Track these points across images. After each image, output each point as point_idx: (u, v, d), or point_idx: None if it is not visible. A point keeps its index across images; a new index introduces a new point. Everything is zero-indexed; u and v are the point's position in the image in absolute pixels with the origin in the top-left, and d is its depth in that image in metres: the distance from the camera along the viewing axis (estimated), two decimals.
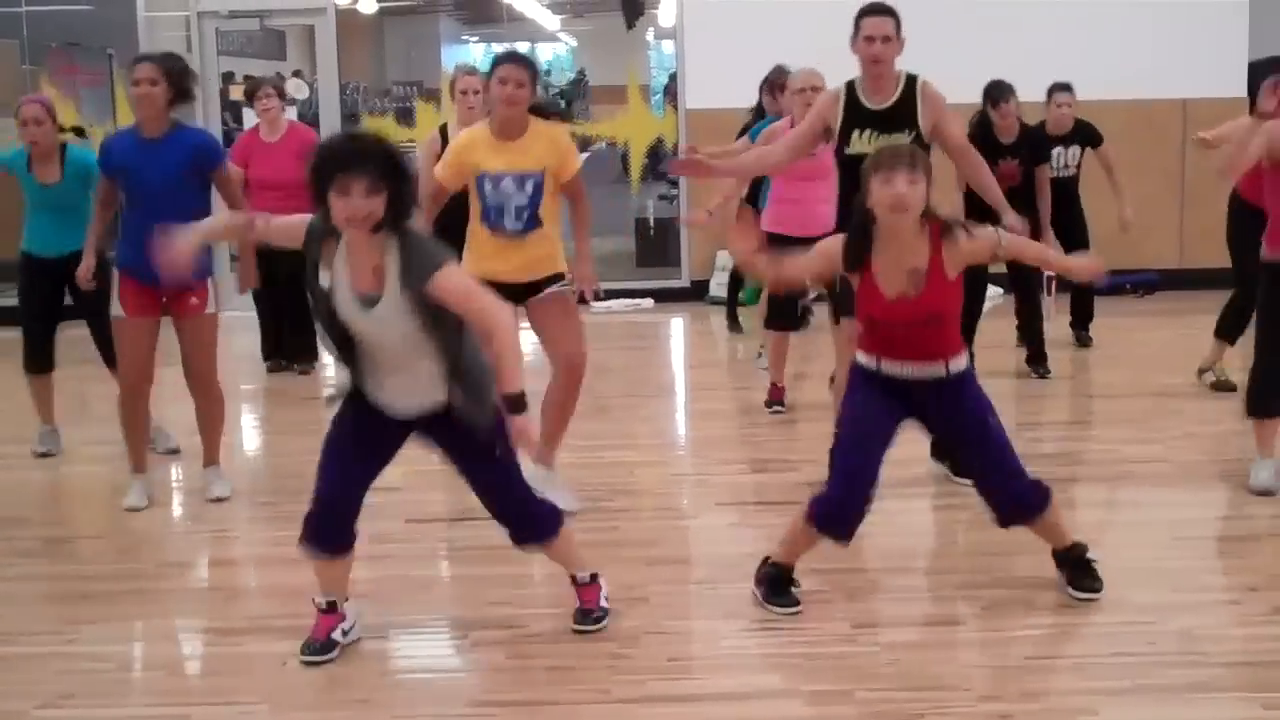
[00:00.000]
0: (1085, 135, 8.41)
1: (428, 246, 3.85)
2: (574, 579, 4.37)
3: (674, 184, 12.03)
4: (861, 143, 5.27)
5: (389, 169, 3.69)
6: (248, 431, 7.32)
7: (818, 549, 4.54)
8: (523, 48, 25.05)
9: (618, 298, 11.11)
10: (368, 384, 4.02)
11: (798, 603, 4.43)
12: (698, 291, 11.16)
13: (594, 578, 4.39)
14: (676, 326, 10.71)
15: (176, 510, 5.87)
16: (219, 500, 5.85)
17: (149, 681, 4.16)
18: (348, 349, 3.96)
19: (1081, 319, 8.76)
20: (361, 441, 4.09)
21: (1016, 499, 4.38)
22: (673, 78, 12.26)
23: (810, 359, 8.25)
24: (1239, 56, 10.75)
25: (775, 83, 8.07)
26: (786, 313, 7.10)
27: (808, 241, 6.51)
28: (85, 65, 12.67)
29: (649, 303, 11.21)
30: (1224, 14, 10.73)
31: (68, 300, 6.66)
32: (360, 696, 3.98)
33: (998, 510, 4.42)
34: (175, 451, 6.59)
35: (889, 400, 4.33)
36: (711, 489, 5.97)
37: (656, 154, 12.28)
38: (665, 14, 13.27)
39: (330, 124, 11.51)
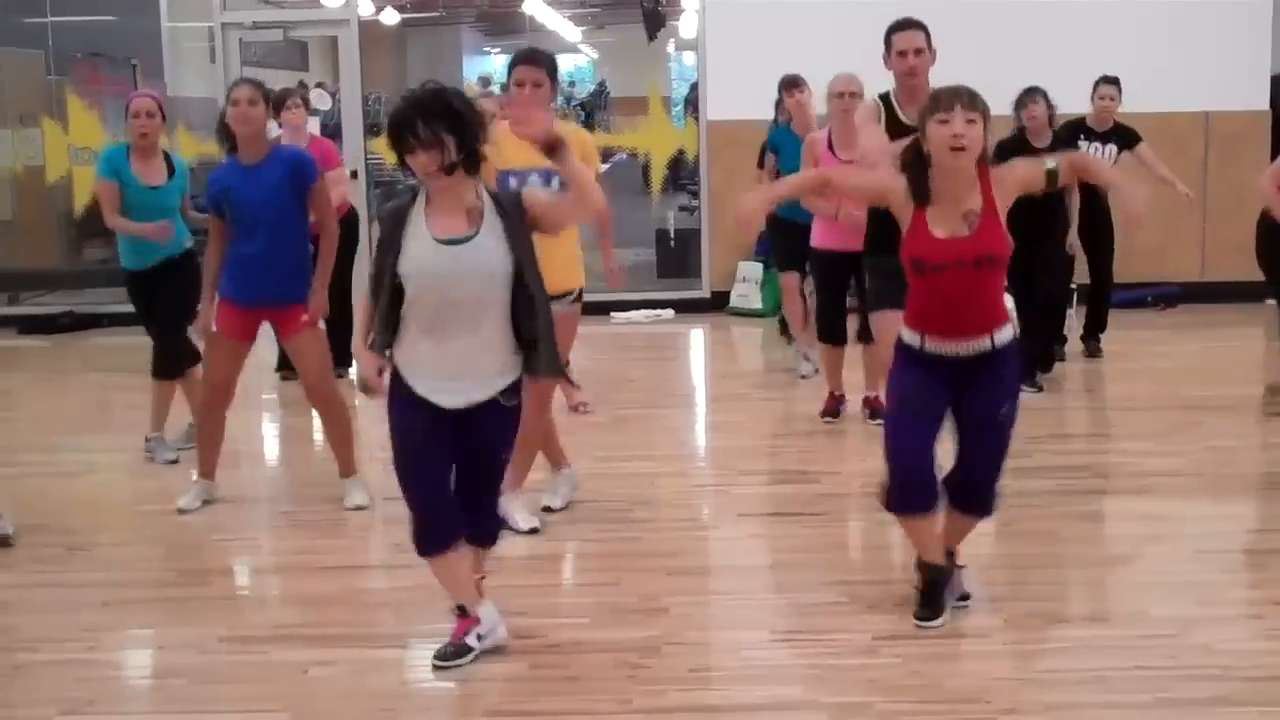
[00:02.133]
0: (1123, 136, 8.40)
1: (505, 191, 4.31)
2: (462, 609, 4.27)
3: (695, 195, 12.03)
4: None
5: (450, 117, 3.89)
6: (268, 440, 7.34)
7: (840, 564, 4.52)
8: None
9: (638, 308, 11.12)
10: (421, 370, 4.03)
11: (938, 616, 4.33)
12: (718, 302, 11.15)
13: (464, 609, 4.28)
14: (697, 337, 10.71)
15: (197, 518, 5.88)
16: (357, 509, 5.79)
17: (171, 689, 4.17)
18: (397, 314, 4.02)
19: (1093, 329, 8.72)
20: (430, 442, 4.07)
21: (987, 492, 4.36)
22: (694, 89, 12.28)
23: None
24: (1262, 69, 10.73)
25: (789, 82, 8.14)
26: (836, 327, 7.09)
27: (851, 256, 6.57)
28: (109, 75, 12.75)
29: (669, 313, 11.21)
30: (1247, 27, 10.69)
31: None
32: (382, 705, 3.99)
33: (962, 493, 4.36)
34: (173, 462, 6.60)
35: (935, 381, 4.26)
36: (732, 500, 5.97)
37: (677, 165, 12.29)
38: (686, 26, 13.28)
39: (353, 134, 11.57)
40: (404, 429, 4.11)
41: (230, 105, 5.62)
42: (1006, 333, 4.26)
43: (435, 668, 4.15)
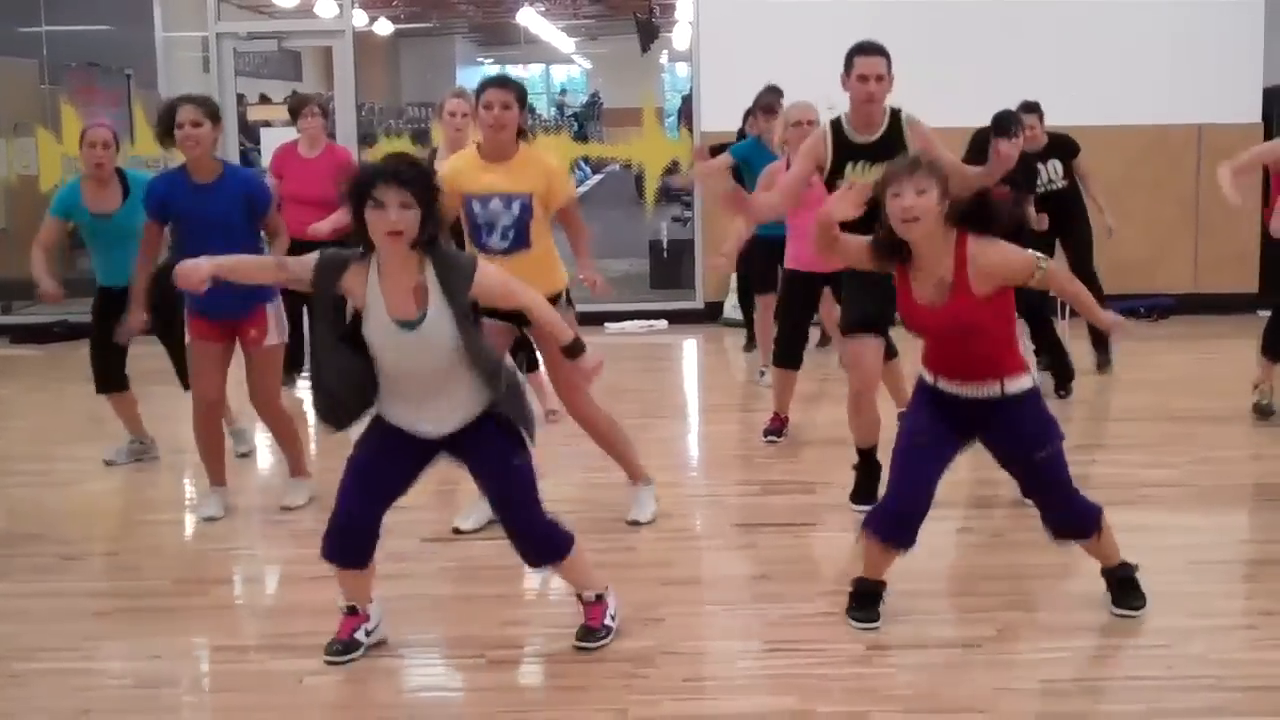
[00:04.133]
0: (1062, 149, 8.33)
1: (457, 256, 4.10)
2: (579, 597, 4.40)
3: (688, 206, 12.05)
4: (856, 174, 5.29)
5: (422, 187, 3.85)
6: (262, 449, 7.33)
7: (834, 574, 4.52)
8: (537, 70, 25.20)
9: (631, 319, 11.13)
10: (395, 412, 4.08)
11: (876, 619, 4.44)
12: (711, 313, 11.16)
13: (599, 597, 4.39)
14: (690, 348, 10.72)
15: (192, 527, 5.88)
16: (284, 510, 5.96)
17: (166, 698, 4.16)
18: (368, 379, 4.04)
19: (1101, 341, 8.71)
20: (384, 463, 4.13)
21: (1066, 521, 4.42)
22: (686, 100, 12.30)
23: (829, 379, 8.25)
24: (1254, 82, 10.75)
25: (764, 105, 8.12)
26: (794, 352, 7.05)
27: (823, 276, 6.56)
28: (104, 85, 12.77)
29: (663, 324, 11.22)
30: (1240, 40, 10.72)
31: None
32: (377, 715, 4.00)
33: (1048, 527, 4.45)
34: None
35: (948, 420, 4.32)
36: (725, 510, 5.97)
37: (670, 176, 12.31)
38: (679, 37, 13.35)
39: (346, 144, 11.55)
40: (364, 437, 4.17)
41: (175, 128, 5.61)
42: (1022, 381, 4.28)
43: (328, 663, 4.25)
